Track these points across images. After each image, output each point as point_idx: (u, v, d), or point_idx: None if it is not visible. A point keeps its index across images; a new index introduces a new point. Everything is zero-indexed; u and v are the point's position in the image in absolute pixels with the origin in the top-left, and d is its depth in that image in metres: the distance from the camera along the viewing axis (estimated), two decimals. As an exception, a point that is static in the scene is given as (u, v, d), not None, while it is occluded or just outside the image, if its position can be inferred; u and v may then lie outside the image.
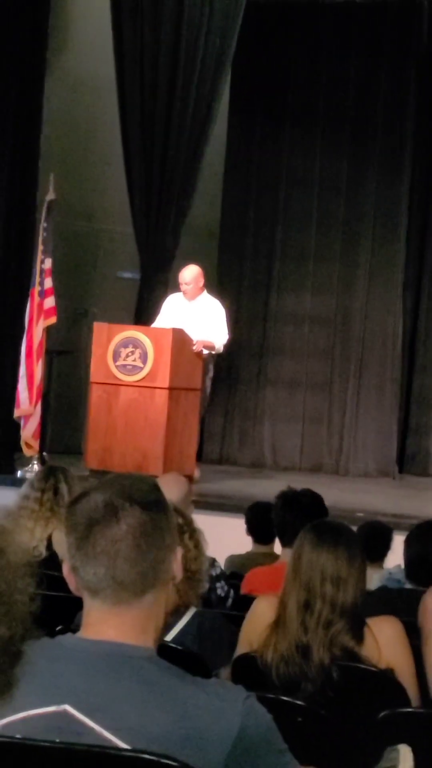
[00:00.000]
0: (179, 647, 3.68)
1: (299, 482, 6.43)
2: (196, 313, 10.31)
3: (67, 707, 2.20)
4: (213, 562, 5.43)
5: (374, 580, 6.02)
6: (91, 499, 2.31)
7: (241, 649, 3.97)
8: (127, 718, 2.17)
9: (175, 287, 10.72)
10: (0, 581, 1.34)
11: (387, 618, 3.85)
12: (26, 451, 10.02)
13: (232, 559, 6.74)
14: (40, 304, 9.98)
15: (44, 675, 2.24)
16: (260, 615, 3.92)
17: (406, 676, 3.78)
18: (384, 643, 3.74)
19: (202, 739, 2.16)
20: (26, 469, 9.89)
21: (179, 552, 2.38)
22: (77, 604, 2.41)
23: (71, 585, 2.36)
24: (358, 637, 3.71)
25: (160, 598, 2.33)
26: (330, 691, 3.61)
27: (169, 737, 2.15)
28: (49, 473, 5.90)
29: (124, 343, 9.70)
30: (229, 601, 5.46)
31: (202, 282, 10.52)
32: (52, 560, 5.32)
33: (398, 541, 5.96)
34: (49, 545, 5.53)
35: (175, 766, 2.11)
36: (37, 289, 10.00)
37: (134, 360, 9.66)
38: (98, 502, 2.29)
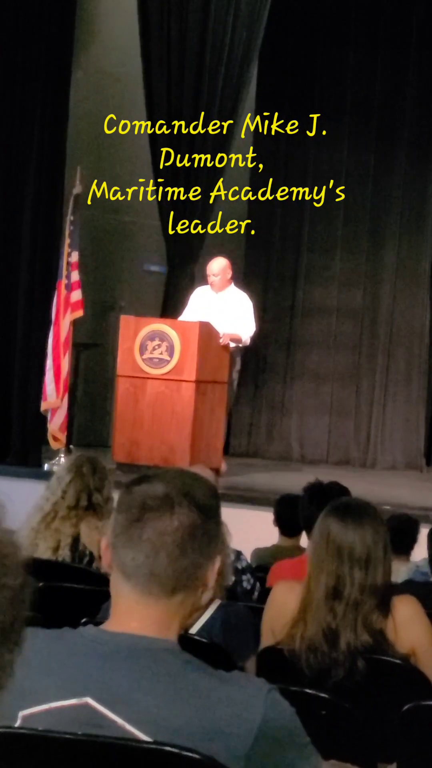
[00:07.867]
0: (202, 639, 3.67)
1: (326, 475, 6.40)
2: (223, 306, 10.29)
3: (89, 700, 2.20)
4: (239, 555, 5.43)
5: (401, 573, 6.00)
6: (152, 486, 2.31)
7: (264, 638, 3.95)
8: (148, 710, 2.17)
9: (202, 280, 10.71)
10: None
11: (404, 597, 3.82)
12: (53, 444, 10.02)
13: (258, 552, 6.73)
14: (67, 298, 9.97)
15: (65, 667, 2.24)
16: (281, 602, 3.89)
17: (426, 654, 3.74)
18: (401, 621, 3.72)
19: (224, 732, 2.16)
20: (53, 462, 9.89)
21: (218, 562, 2.38)
22: (102, 597, 2.41)
23: (105, 560, 2.36)
24: (385, 615, 3.69)
25: (187, 602, 2.32)
26: (357, 678, 3.59)
27: (191, 730, 2.15)
28: (78, 464, 5.88)
29: (151, 336, 9.69)
30: (255, 593, 5.45)
31: (229, 274, 10.50)
32: (77, 552, 5.33)
33: (425, 534, 5.94)
34: (76, 538, 5.53)
35: (197, 758, 2.11)
36: (63, 282, 9.99)
37: (161, 353, 9.65)
38: (158, 491, 2.29)
